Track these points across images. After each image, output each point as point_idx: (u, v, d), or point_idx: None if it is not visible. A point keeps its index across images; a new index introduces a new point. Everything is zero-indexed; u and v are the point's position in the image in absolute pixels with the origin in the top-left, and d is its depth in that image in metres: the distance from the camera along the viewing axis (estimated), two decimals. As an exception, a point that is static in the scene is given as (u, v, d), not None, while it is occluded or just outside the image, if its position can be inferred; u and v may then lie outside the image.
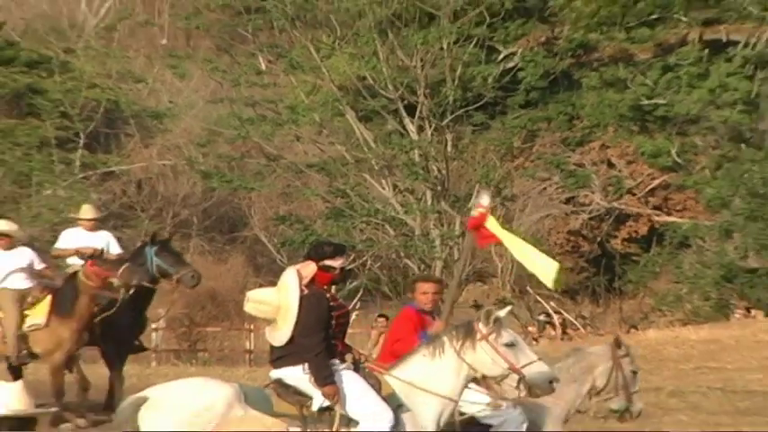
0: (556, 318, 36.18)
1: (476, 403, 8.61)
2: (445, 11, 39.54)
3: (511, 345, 7.90)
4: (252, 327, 30.47)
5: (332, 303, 7.90)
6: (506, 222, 33.53)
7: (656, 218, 42.17)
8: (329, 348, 7.77)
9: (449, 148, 39.22)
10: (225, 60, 42.66)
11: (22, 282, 13.58)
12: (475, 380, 8.15)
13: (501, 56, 43.07)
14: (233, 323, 33.77)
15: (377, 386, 7.80)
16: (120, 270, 13.28)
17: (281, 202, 41.11)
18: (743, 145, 41.19)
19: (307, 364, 7.68)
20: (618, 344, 9.28)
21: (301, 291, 7.81)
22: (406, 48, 39.39)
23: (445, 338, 8.00)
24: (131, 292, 13.41)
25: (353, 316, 28.27)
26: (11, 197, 36.47)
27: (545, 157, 42.23)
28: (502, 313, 8.03)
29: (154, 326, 28.49)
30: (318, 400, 7.67)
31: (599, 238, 41.99)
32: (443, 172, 38.72)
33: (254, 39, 41.53)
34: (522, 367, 7.85)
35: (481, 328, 7.92)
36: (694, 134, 41.99)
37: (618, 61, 42.86)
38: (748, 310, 34.88)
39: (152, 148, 42.03)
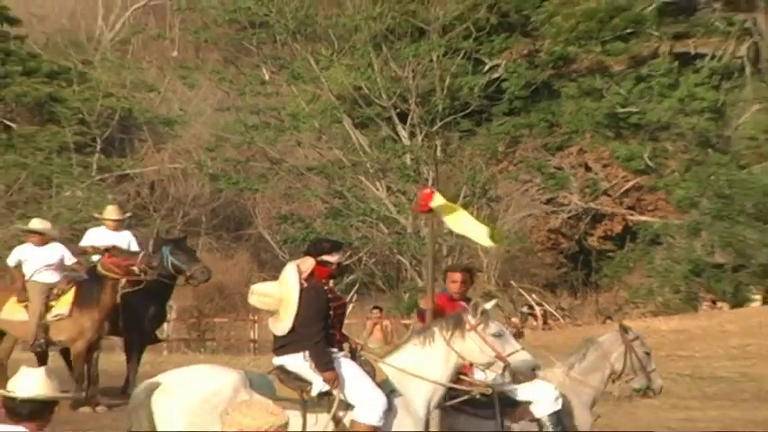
0: (537, 309, 36.20)
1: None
2: (435, 26, 39.65)
3: (498, 335, 7.90)
4: (256, 318, 30.32)
5: (330, 296, 7.90)
6: (491, 222, 33.54)
7: (630, 217, 42.17)
8: (328, 337, 7.76)
9: (438, 153, 39.24)
10: (231, 71, 42.70)
11: (51, 276, 13.58)
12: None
13: (486, 67, 43.10)
14: (239, 314, 33.63)
15: (371, 373, 7.78)
16: (140, 257, 13.38)
17: (283, 202, 41.07)
18: (710, 150, 41.28)
19: (307, 352, 7.68)
20: (625, 329, 9.21)
21: (301, 284, 7.80)
22: (398, 60, 39.45)
23: (435, 329, 7.99)
24: (153, 278, 13.42)
25: (350, 307, 28.25)
26: (33, 198, 36.41)
27: (527, 160, 42.26)
28: (489, 306, 8.03)
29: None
30: (318, 385, 7.65)
31: (577, 236, 41.99)
32: (433, 175, 38.70)
33: (258, 51, 41.57)
34: (508, 356, 7.85)
35: (470, 319, 7.91)
36: (665, 140, 42.07)
37: (594, 72, 42.94)
38: (714, 302, 34.86)
39: (164, 152, 41.96)
